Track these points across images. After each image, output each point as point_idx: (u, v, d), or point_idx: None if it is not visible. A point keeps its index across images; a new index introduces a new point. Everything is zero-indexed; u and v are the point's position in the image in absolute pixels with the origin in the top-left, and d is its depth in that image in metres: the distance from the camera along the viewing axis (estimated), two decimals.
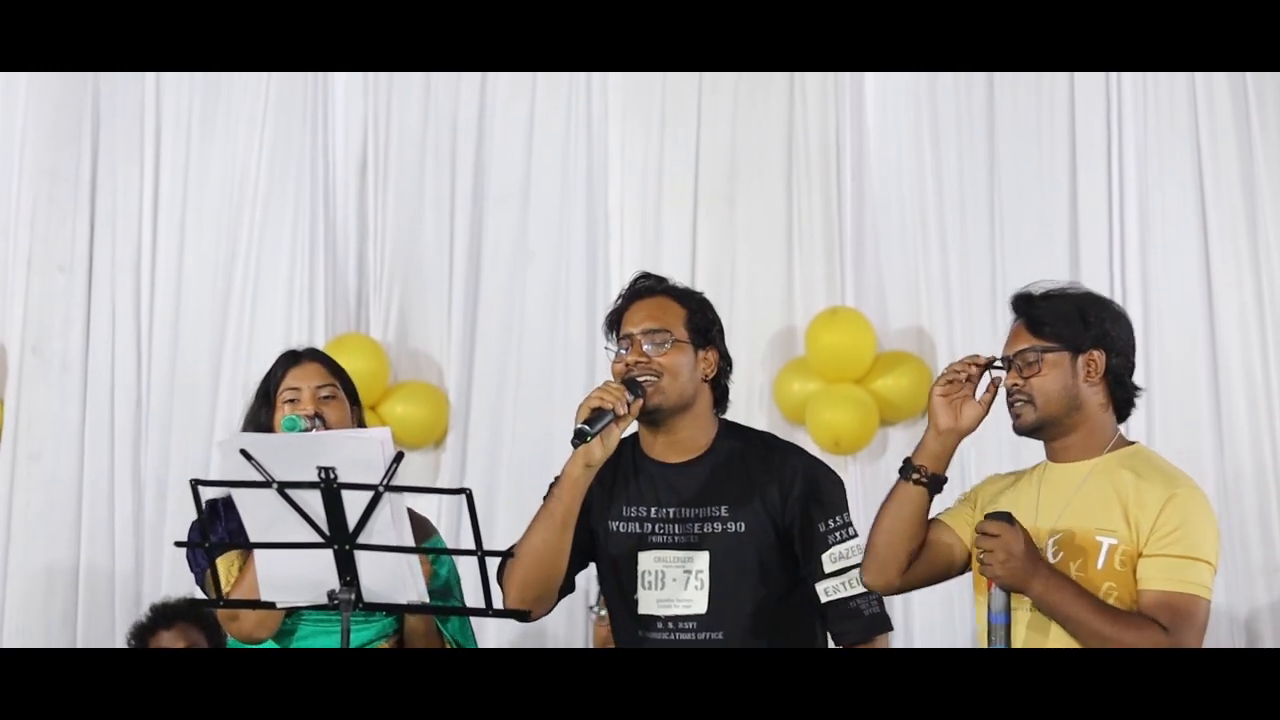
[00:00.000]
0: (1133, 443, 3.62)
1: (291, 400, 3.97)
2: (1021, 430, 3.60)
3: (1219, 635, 5.50)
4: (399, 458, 3.41)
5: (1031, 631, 3.50)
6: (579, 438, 3.66)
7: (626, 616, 3.88)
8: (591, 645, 5.54)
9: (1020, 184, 5.86)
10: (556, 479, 3.82)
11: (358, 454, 3.39)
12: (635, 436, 3.87)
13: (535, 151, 6.05)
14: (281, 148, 6.08)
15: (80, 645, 5.93)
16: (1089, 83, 5.82)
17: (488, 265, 6.03)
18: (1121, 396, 3.61)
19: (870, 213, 5.92)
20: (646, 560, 3.83)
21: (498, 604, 3.60)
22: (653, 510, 3.85)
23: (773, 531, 3.81)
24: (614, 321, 3.89)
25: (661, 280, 3.92)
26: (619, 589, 3.88)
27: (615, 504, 3.87)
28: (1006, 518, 3.45)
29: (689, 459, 3.86)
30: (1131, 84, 5.80)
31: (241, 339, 6.02)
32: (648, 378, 3.78)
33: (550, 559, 3.76)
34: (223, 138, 6.11)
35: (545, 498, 3.84)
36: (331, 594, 3.49)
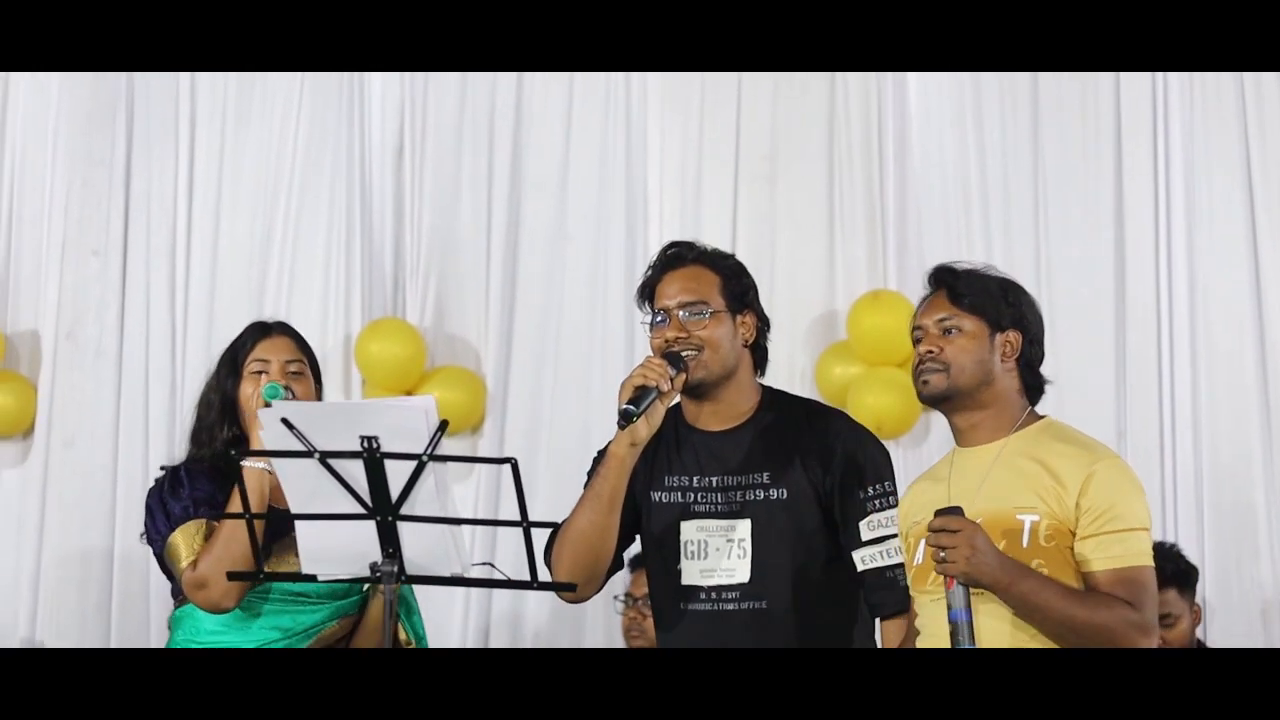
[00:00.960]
0: (1042, 417, 3.56)
1: (260, 372, 3.93)
2: (928, 398, 3.55)
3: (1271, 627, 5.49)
4: (443, 426, 3.35)
5: (994, 623, 3.38)
6: (625, 419, 3.61)
7: (669, 589, 3.81)
8: (619, 633, 5.52)
9: (1065, 167, 5.80)
10: (599, 454, 3.77)
11: (401, 423, 3.34)
12: (678, 406, 3.82)
13: (573, 134, 5.99)
14: (318, 131, 6.03)
15: (114, 633, 5.88)
16: (1135, 78, 5.76)
17: (525, 250, 5.98)
18: (1032, 383, 3.56)
19: (913, 195, 5.86)
20: (689, 530, 3.78)
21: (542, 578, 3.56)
22: (695, 479, 3.80)
23: (815, 498, 3.76)
24: (647, 292, 3.83)
25: (692, 246, 3.87)
26: (662, 561, 3.83)
27: (658, 475, 3.82)
28: (958, 512, 3.35)
29: (732, 426, 3.81)
30: (1179, 78, 5.73)
31: None
32: (689, 351, 3.73)
33: (598, 539, 3.71)
34: (258, 121, 6.06)
35: (589, 474, 3.80)
36: (374, 566, 3.43)
